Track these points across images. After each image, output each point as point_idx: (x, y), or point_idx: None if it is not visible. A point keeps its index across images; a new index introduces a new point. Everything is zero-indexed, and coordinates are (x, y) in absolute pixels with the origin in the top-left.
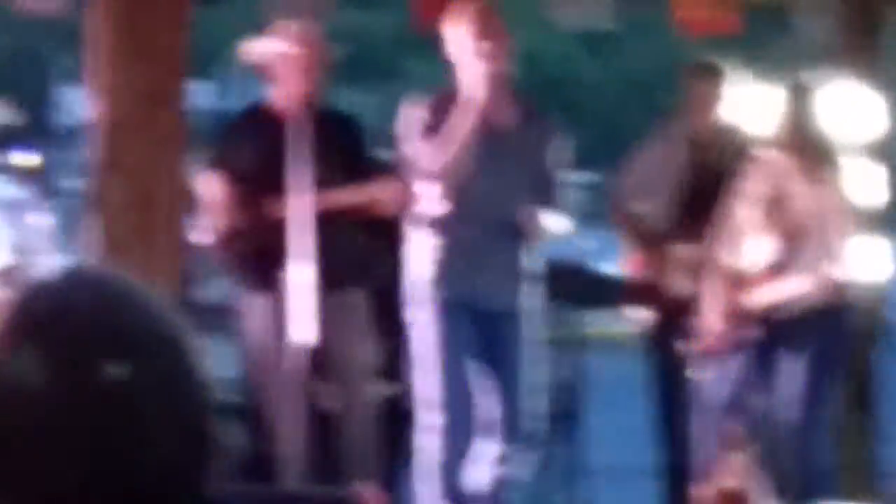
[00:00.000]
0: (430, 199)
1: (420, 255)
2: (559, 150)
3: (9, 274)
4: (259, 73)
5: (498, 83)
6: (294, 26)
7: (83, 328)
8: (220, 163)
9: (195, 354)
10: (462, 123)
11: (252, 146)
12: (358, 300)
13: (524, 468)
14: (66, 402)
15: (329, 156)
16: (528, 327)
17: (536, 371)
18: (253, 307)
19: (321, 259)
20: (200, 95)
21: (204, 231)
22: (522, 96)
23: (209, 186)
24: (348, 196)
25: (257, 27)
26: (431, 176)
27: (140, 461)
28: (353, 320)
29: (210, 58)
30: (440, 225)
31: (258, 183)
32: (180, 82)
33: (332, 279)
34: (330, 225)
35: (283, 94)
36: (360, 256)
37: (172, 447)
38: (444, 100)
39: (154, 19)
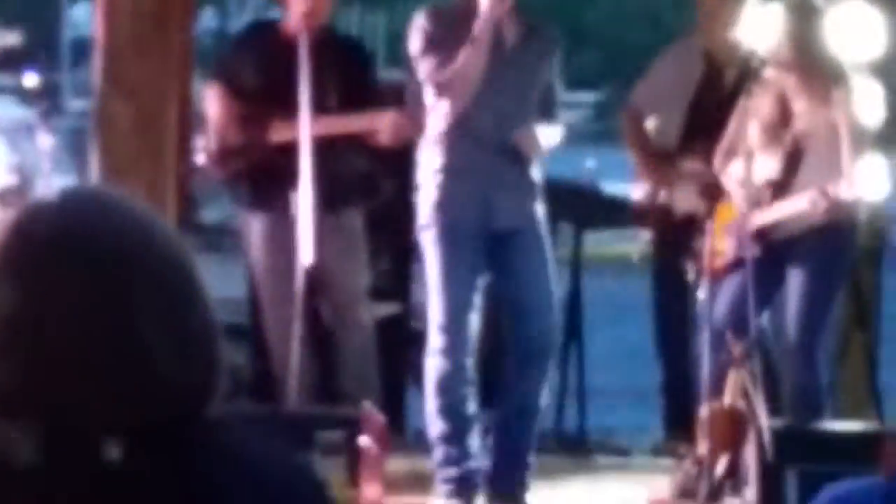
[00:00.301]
0: (437, 116)
1: (428, 177)
2: (558, 63)
3: (9, 194)
4: None
5: None
6: None
7: (82, 250)
8: (221, 77)
9: (199, 276)
10: (475, 34)
11: (256, 63)
12: (354, 222)
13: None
14: (66, 331)
15: (334, 80)
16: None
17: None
18: (252, 227)
19: (320, 180)
20: (203, 18)
21: (203, 148)
22: (524, 11)
23: (209, 100)
24: (347, 123)
25: None
26: (441, 90)
27: (147, 387)
28: (348, 242)
29: None
30: (448, 144)
31: (259, 101)
32: (187, 3)
33: (327, 201)
34: (327, 147)
35: (292, 13)
36: (358, 178)
37: (179, 371)
38: (449, 13)
39: None
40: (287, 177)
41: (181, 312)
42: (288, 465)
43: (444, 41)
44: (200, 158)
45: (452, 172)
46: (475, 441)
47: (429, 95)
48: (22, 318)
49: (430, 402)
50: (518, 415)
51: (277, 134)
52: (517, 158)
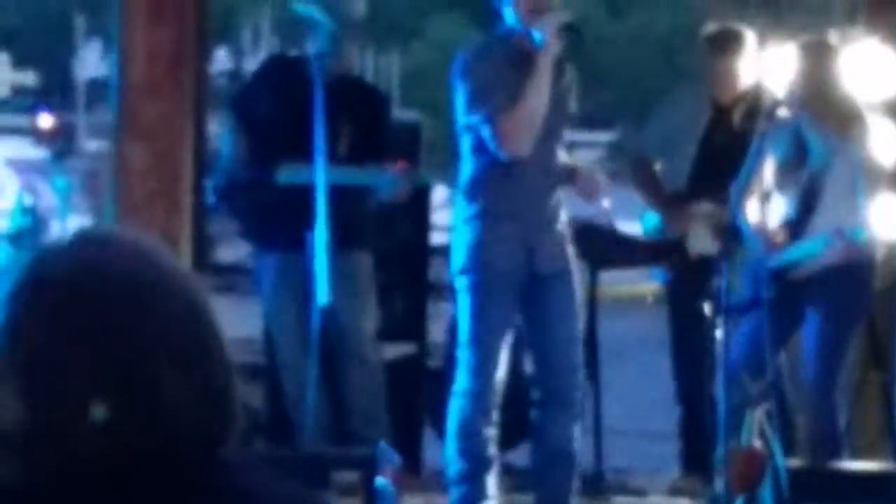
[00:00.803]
0: (480, 159)
1: (466, 220)
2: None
3: (23, 236)
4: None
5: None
6: None
7: (98, 294)
8: (236, 108)
9: (215, 318)
10: (539, 72)
11: (271, 97)
12: (364, 262)
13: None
14: (87, 369)
15: (348, 124)
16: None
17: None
18: (266, 266)
19: (333, 222)
20: (218, 58)
21: (212, 183)
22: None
23: (222, 132)
24: (355, 174)
25: None
26: (507, 133)
27: (165, 433)
28: (358, 282)
29: (228, 22)
30: (491, 187)
31: (271, 137)
32: (202, 45)
33: (338, 242)
34: (338, 189)
35: (317, 55)
36: (370, 219)
37: (194, 412)
38: (492, 49)
39: None
40: (301, 217)
41: (197, 356)
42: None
43: (497, 84)
44: (209, 194)
45: (495, 216)
46: (493, 481)
47: (483, 138)
48: (40, 360)
49: (451, 444)
50: (554, 461)
51: (286, 175)
52: (556, 201)
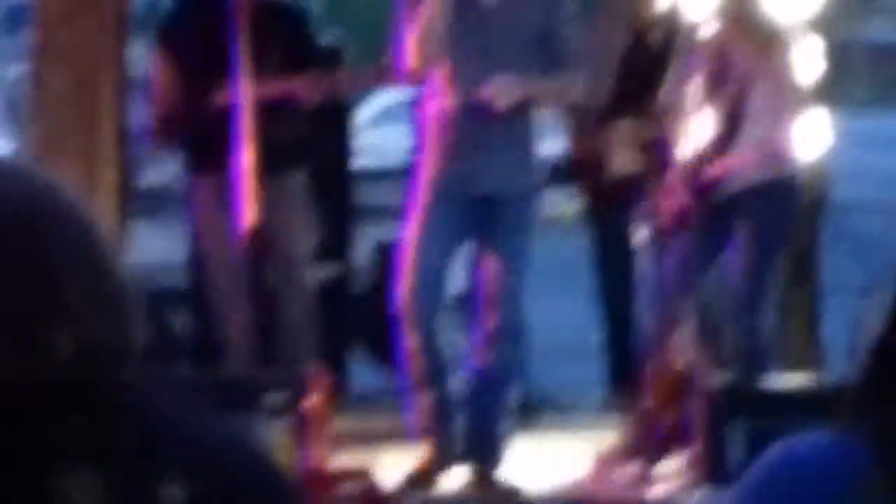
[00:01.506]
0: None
1: (419, 143)
2: (566, 12)
3: None
4: None
5: None
6: None
7: None
8: (163, 45)
9: (110, 242)
10: None
11: (196, 31)
12: (297, 184)
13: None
14: None
15: (275, 45)
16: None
17: None
18: (197, 191)
19: (260, 144)
20: None
21: (148, 115)
22: None
23: (152, 68)
24: (270, 88)
25: None
26: (412, 47)
27: (68, 345)
28: (291, 204)
29: None
30: (429, 110)
31: (201, 67)
32: None
33: (269, 164)
34: (267, 111)
35: None
36: (298, 141)
37: (98, 330)
38: None
39: None
40: (229, 141)
41: (96, 272)
42: (220, 429)
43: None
44: (146, 128)
45: (433, 136)
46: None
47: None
48: None
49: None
50: (500, 377)
51: (219, 98)
52: (501, 119)
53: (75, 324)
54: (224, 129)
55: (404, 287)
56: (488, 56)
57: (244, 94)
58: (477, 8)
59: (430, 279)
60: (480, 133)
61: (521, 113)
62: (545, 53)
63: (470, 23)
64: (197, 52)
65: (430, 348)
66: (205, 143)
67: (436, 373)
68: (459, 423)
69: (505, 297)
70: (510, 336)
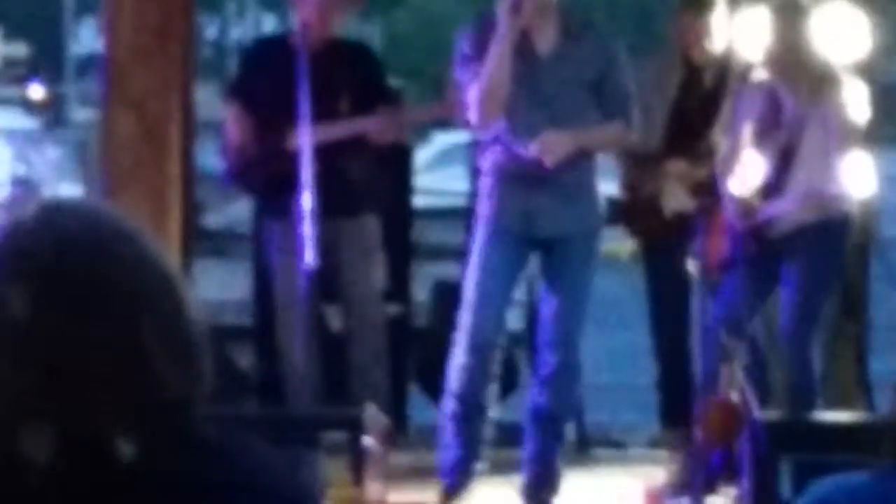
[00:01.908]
0: (477, 127)
1: (483, 180)
2: (622, 62)
3: (14, 205)
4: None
5: (533, 6)
6: None
7: (76, 262)
8: (236, 95)
9: (184, 286)
10: (492, 50)
11: (267, 78)
12: (372, 225)
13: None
14: (72, 339)
15: (346, 86)
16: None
17: None
18: (269, 232)
19: (337, 185)
20: (203, 28)
21: (225, 163)
22: (571, 18)
23: (228, 118)
24: (345, 128)
25: None
26: (472, 106)
27: (149, 393)
28: (366, 244)
29: None
30: (490, 157)
31: (273, 112)
32: (188, 16)
33: (346, 206)
34: (343, 153)
35: (301, 25)
36: (373, 182)
37: (175, 377)
38: (485, 26)
39: None
40: (301, 184)
41: (174, 321)
42: (273, 467)
43: (477, 58)
44: (224, 176)
45: (495, 179)
46: (478, 429)
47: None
48: (30, 329)
49: (448, 400)
50: (556, 414)
51: (291, 143)
52: (562, 165)
53: (153, 372)
54: (296, 172)
55: (464, 326)
56: (546, 105)
57: (314, 136)
58: (534, 58)
59: (490, 319)
60: (539, 177)
61: (577, 158)
62: (600, 100)
63: (528, 72)
64: (268, 96)
65: (481, 384)
66: (277, 187)
67: (475, 409)
68: (521, 455)
69: (564, 338)
70: (568, 376)
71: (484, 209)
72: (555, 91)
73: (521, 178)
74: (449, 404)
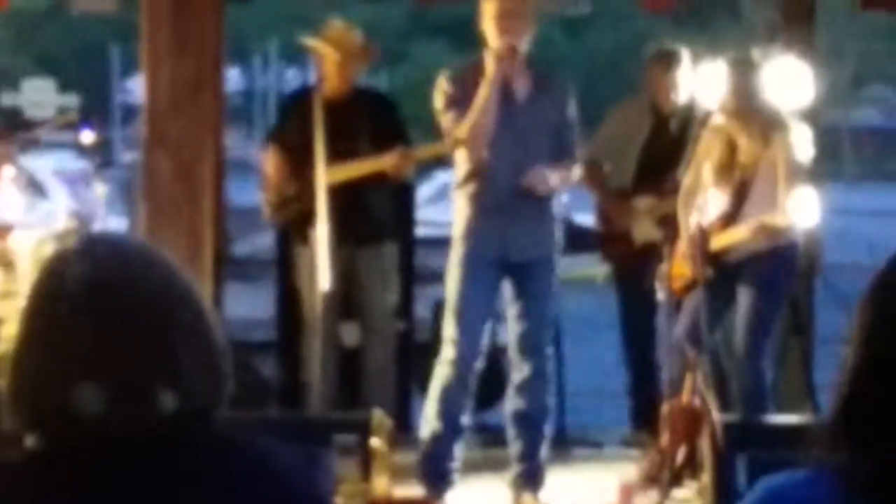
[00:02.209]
0: (460, 164)
1: (456, 216)
2: (573, 108)
3: (68, 236)
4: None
5: (513, 57)
6: (338, 27)
7: (92, 296)
8: (273, 140)
9: (207, 305)
10: (481, 94)
11: (299, 124)
12: (389, 252)
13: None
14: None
15: (366, 130)
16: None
17: None
18: (299, 258)
19: (358, 218)
20: (232, 79)
21: (264, 200)
22: (538, 67)
23: (266, 160)
24: (360, 166)
25: (281, 21)
26: (458, 143)
27: (181, 396)
28: (383, 269)
29: (241, 47)
30: (470, 188)
31: (303, 154)
32: (219, 69)
33: (367, 235)
34: (364, 188)
35: (320, 79)
36: (390, 214)
37: (202, 381)
38: (464, 75)
39: (195, 16)
40: (333, 216)
41: (204, 345)
42: (286, 463)
43: (461, 101)
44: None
45: (474, 209)
46: (460, 447)
47: (452, 147)
48: (94, 345)
49: (431, 405)
50: (536, 419)
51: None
52: (532, 197)
53: (184, 386)
54: (336, 202)
55: (450, 339)
56: (523, 143)
57: (339, 174)
58: (514, 102)
59: (472, 334)
60: (513, 207)
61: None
62: (557, 143)
63: (508, 115)
64: (299, 141)
65: (466, 390)
66: (307, 218)
67: (453, 425)
68: (508, 454)
69: (535, 349)
70: (541, 381)
71: (462, 236)
72: (531, 132)
73: (497, 209)
74: (430, 422)
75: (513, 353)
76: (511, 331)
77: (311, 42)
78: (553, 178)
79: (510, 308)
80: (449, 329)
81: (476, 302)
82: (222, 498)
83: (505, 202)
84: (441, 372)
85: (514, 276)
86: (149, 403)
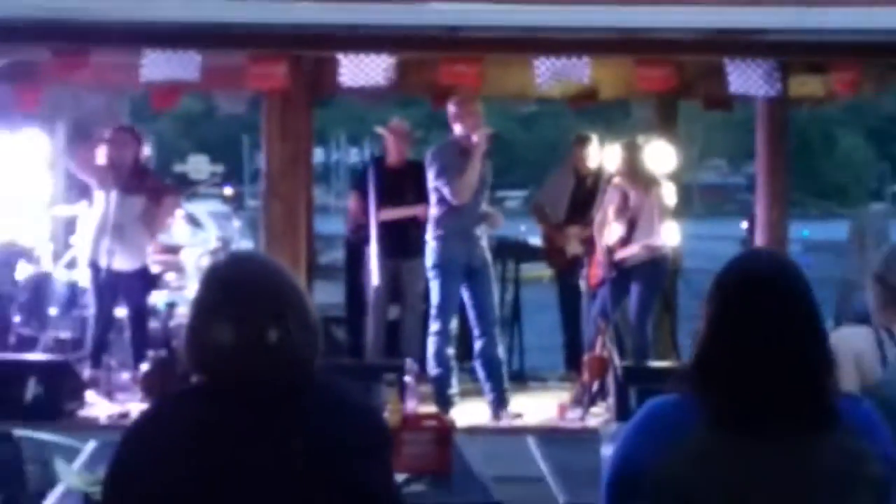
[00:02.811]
0: (441, 205)
1: (435, 239)
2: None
3: (217, 252)
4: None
5: (484, 142)
6: (396, 125)
7: (236, 287)
8: (357, 189)
9: (307, 293)
10: (474, 164)
11: (374, 178)
12: (420, 263)
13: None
14: (252, 358)
15: (413, 186)
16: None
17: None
18: (366, 265)
19: (403, 241)
20: (318, 155)
21: (348, 227)
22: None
23: (350, 201)
24: (409, 210)
25: (346, 119)
26: (456, 194)
27: (289, 350)
28: (416, 272)
29: (322, 134)
30: (446, 221)
31: (372, 200)
32: (309, 148)
33: (407, 252)
34: (407, 224)
35: (389, 154)
36: (421, 240)
37: (304, 345)
38: (449, 149)
39: (293, 115)
40: (387, 241)
41: (304, 313)
42: (356, 394)
43: (452, 166)
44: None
45: (448, 236)
46: (454, 380)
47: (441, 195)
48: (225, 303)
49: (432, 358)
50: (493, 365)
51: (381, 217)
52: (482, 229)
53: (287, 333)
54: (382, 232)
55: (436, 326)
56: (483, 193)
57: (392, 214)
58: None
59: (448, 321)
60: (471, 234)
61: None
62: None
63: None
64: (375, 189)
65: (445, 351)
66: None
67: (448, 367)
68: (484, 387)
69: (487, 325)
70: (492, 346)
71: (441, 253)
72: (486, 185)
73: (463, 234)
74: (434, 364)
75: (472, 328)
76: (470, 313)
77: (381, 130)
78: (500, 219)
79: (472, 298)
80: (435, 311)
81: (453, 298)
82: (319, 414)
83: (467, 231)
84: (433, 338)
85: (469, 279)
86: (261, 336)
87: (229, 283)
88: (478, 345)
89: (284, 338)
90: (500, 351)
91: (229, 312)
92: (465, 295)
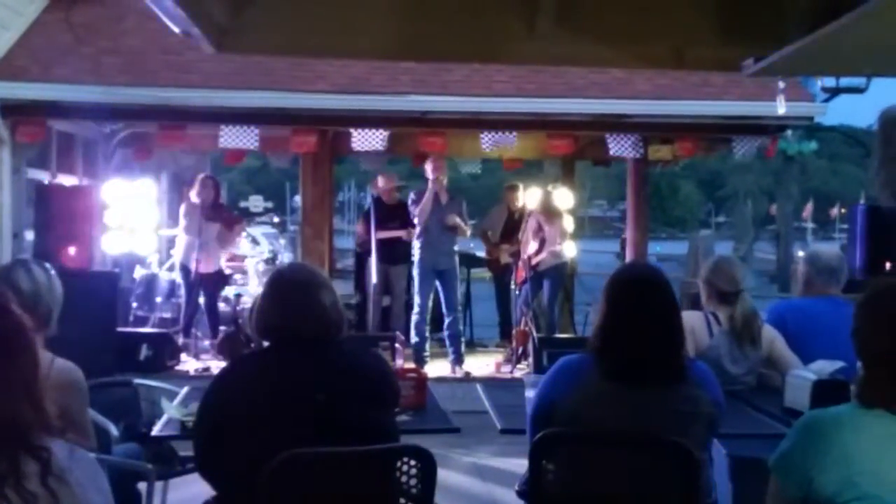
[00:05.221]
0: (419, 226)
1: (417, 251)
2: (460, 205)
3: (269, 262)
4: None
5: (442, 187)
6: (387, 176)
7: (292, 283)
8: (364, 217)
9: (332, 287)
10: (427, 198)
11: (374, 211)
12: (405, 268)
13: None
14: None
15: (399, 216)
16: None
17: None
18: (375, 268)
19: (392, 253)
20: (337, 196)
21: (356, 243)
22: (450, 191)
23: (358, 225)
24: (397, 233)
25: (356, 172)
26: (418, 217)
27: (324, 323)
28: (402, 275)
29: (339, 181)
30: (422, 235)
31: (374, 227)
32: (331, 192)
33: (396, 260)
34: (395, 242)
35: (383, 196)
36: (406, 253)
37: (333, 318)
38: (420, 193)
39: (321, 169)
40: (387, 252)
41: (332, 298)
42: (372, 356)
43: (418, 201)
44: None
45: (424, 249)
46: (427, 346)
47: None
48: (283, 299)
49: (413, 329)
50: (455, 336)
51: (378, 237)
52: (450, 242)
53: (323, 316)
54: (379, 247)
55: (418, 311)
56: (443, 221)
57: (385, 234)
58: (439, 203)
59: (424, 306)
60: (439, 248)
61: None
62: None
63: (438, 209)
64: (374, 218)
65: (422, 326)
66: (369, 252)
67: (423, 338)
68: (447, 351)
69: (452, 310)
70: (455, 324)
71: (419, 261)
72: (445, 216)
73: (433, 249)
74: (414, 335)
75: (443, 309)
76: (441, 300)
77: (379, 181)
78: (456, 219)
79: (441, 290)
80: (416, 299)
81: (427, 291)
82: (345, 372)
83: (434, 246)
84: (414, 317)
85: (439, 278)
86: (305, 316)
87: (288, 280)
88: (445, 322)
89: (321, 311)
90: (460, 327)
91: (291, 296)
92: (438, 288)
